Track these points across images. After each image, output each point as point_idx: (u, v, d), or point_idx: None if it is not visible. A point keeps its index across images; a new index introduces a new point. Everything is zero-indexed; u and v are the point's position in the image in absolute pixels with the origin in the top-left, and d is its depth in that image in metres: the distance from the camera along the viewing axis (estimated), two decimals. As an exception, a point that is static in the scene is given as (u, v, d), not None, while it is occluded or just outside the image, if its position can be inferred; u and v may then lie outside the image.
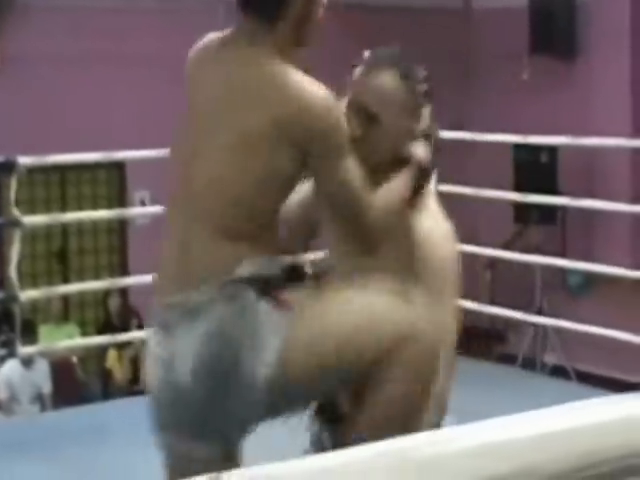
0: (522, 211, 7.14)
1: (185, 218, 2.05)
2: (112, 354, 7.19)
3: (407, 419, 2.01)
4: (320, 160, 2.01)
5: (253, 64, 2.00)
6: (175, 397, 2.03)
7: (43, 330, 6.93)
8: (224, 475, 0.96)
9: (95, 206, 7.30)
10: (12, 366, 6.36)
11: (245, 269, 2.01)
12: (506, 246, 7.04)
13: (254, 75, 1.99)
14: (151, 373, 2.11)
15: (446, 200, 6.92)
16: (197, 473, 1.02)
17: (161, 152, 4.33)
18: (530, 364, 7.08)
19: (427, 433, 1.03)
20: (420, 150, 2.17)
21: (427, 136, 2.19)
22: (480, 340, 7.62)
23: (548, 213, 7.15)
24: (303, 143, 1.97)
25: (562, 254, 7.04)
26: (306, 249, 2.37)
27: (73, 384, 6.96)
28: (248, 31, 2.03)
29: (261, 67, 2.00)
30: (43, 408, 6.50)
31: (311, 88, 2.00)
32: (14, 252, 4.42)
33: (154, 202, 6.09)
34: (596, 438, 1.08)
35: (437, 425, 2.15)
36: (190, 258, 2.03)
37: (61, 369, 6.79)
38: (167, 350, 2.04)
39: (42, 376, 6.54)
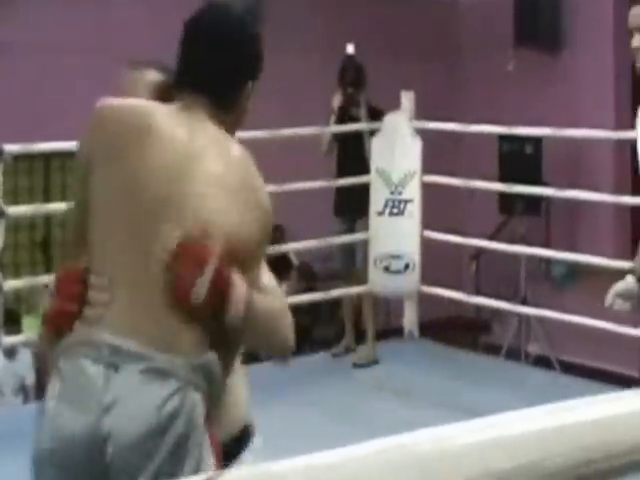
0: (507, 202, 7.16)
1: (140, 283, 1.92)
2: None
3: None
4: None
5: (231, 144, 2.08)
6: (97, 450, 1.84)
7: (26, 321, 6.90)
8: (217, 474, 0.95)
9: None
10: (-5, 357, 6.33)
11: (213, 358, 1.94)
12: (491, 237, 7.07)
13: (236, 154, 2.07)
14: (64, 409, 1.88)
15: (432, 191, 6.97)
16: None
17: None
18: (514, 354, 7.10)
19: (429, 430, 1.03)
20: None
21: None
22: (465, 330, 7.65)
23: (533, 204, 7.17)
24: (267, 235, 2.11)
25: (546, 245, 7.08)
26: None
27: (57, 375, 6.93)
28: (201, 108, 2.07)
29: (239, 150, 2.09)
30: (26, 399, 6.48)
31: None
32: (-2, 242, 4.40)
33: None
34: (598, 434, 1.08)
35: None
36: (150, 316, 1.90)
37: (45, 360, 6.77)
38: (108, 394, 1.85)
39: (25, 367, 6.52)
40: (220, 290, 1.91)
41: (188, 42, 2.11)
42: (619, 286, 3.36)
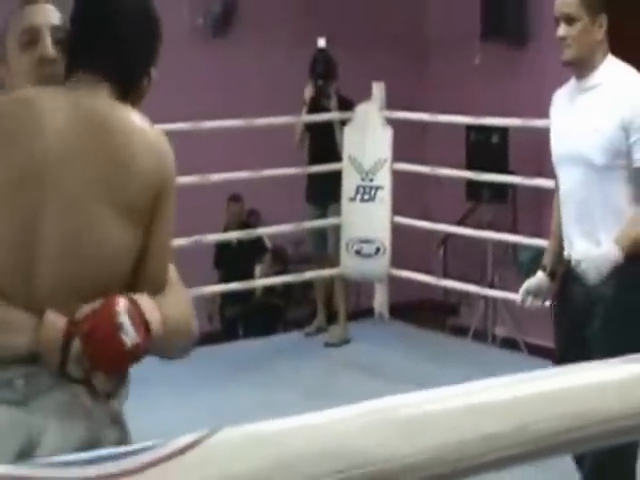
0: (474, 190, 7.30)
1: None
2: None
3: None
4: None
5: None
6: None
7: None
8: (210, 432, 0.97)
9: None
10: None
11: None
12: (459, 223, 7.22)
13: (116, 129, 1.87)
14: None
15: (402, 178, 7.13)
16: None
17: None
18: (481, 336, 7.25)
19: (415, 393, 1.03)
20: None
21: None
22: (434, 312, 7.79)
23: (499, 192, 7.32)
24: None
25: (513, 231, 7.22)
26: None
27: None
28: (97, 92, 1.90)
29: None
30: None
31: None
32: None
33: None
34: (589, 400, 1.08)
35: None
36: None
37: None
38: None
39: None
40: (142, 320, 1.79)
41: (90, 19, 1.95)
42: (530, 283, 3.41)
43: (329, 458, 0.95)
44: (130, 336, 1.75)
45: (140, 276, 1.87)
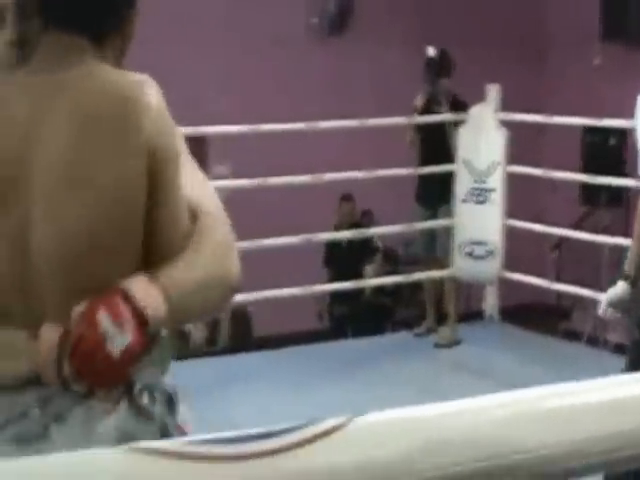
0: (590, 193, 7.21)
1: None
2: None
3: None
4: None
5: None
6: None
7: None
8: (352, 416, 0.97)
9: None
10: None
11: None
12: (575, 228, 7.14)
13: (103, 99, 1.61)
14: None
15: (515, 181, 7.06)
16: None
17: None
18: (594, 341, 7.18)
19: (561, 385, 1.03)
20: None
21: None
22: (545, 316, 7.73)
23: (616, 195, 7.21)
24: None
25: (628, 235, 7.12)
26: None
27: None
28: (65, 49, 1.65)
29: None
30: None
31: None
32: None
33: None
34: None
35: None
36: None
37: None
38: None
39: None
40: (134, 312, 1.57)
41: None
42: (610, 295, 3.31)
43: (472, 446, 0.96)
44: (117, 343, 1.55)
45: (152, 251, 1.62)
